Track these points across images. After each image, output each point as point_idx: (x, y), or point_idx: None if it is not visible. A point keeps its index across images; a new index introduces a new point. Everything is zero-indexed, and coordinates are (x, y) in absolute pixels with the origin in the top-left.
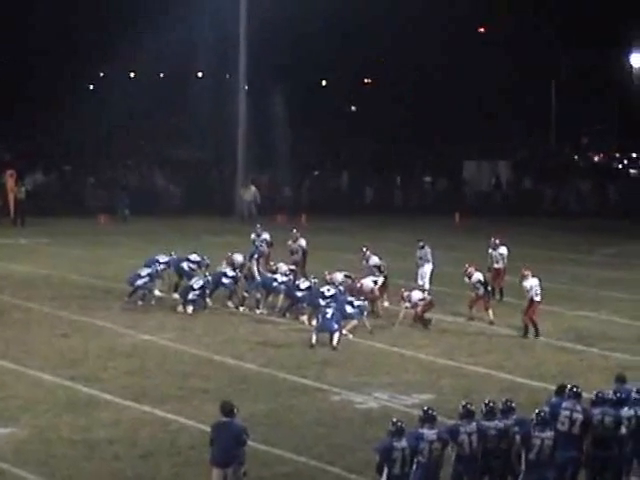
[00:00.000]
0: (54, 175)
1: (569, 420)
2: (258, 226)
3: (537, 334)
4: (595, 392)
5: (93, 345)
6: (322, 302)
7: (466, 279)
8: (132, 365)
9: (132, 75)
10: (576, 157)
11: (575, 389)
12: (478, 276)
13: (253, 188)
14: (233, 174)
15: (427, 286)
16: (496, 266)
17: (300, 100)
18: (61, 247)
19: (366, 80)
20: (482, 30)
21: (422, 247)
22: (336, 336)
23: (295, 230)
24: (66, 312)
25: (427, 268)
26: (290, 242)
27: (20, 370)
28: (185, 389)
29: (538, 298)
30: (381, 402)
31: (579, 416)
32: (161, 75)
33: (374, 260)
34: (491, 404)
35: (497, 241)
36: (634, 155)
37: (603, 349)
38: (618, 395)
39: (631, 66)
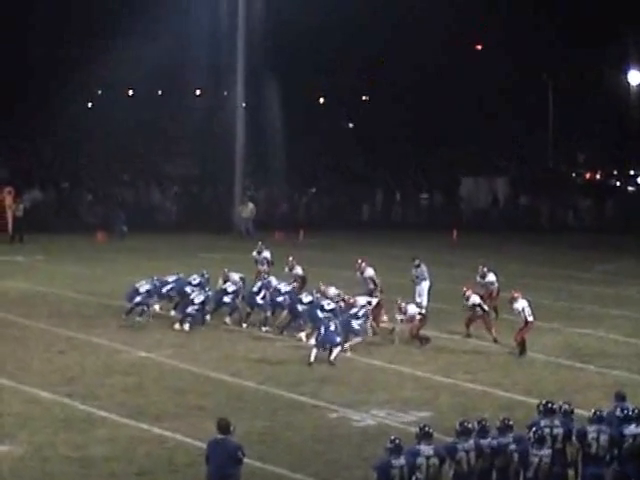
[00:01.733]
0: (51, 192)
1: (550, 437)
2: (260, 244)
3: (522, 352)
4: (593, 410)
5: (90, 362)
6: (321, 315)
7: (464, 301)
8: (129, 382)
9: (130, 92)
10: (573, 174)
11: (549, 405)
12: (475, 299)
13: (251, 205)
14: (230, 191)
15: (425, 303)
16: (486, 292)
17: (298, 117)
18: (58, 264)
19: (364, 97)
20: (479, 47)
21: (418, 266)
22: (336, 350)
23: (291, 258)
24: (63, 329)
25: (424, 285)
26: (287, 269)
27: (17, 387)
28: (182, 406)
29: (531, 318)
30: (378, 419)
31: (559, 430)
32: (159, 92)
33: (369, 272)
34: (483, 422)
35: (485, 269)
36: (632, 172)
37: (601, 366)
38: (620, 413)
39: (629, 83)
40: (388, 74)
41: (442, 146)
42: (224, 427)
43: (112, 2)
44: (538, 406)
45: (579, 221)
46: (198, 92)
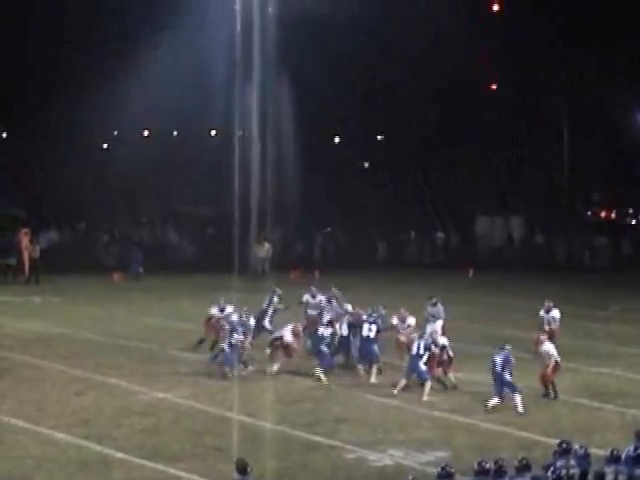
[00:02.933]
0: (68, 233)
1: (567, 477)
2: (312, 288)
3: (556, 394)
4: (610, 449)
5: (106, 403)
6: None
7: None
8: (146, 423)
9: (145, 133)
10: (589, 213)
11: (565, 445)
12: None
13: (267, 245)
14: (246, 231)
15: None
16: (547, 328)
17: (313, 157)
18: (75, 305)
19: (379, 137)
20: (494, 87)
21: (434, 304)
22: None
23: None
24: (80, 370)
25: (438, 324)
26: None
27: (33, 429)
28: (199, 447)
29: (559, 359)
30: (396, 459)
31: (576, 471)
32: (174, 133)
33: (411, 321)
34: (500, 462)
35: (551, 304)
36: None
37: (619, 405)
38: (634, 452)
39: None
40: (404, 114)
41: (456, 186)
42: (242, 468)
43: (126, 43)
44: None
45: (595, 260)
46: (213, 132)
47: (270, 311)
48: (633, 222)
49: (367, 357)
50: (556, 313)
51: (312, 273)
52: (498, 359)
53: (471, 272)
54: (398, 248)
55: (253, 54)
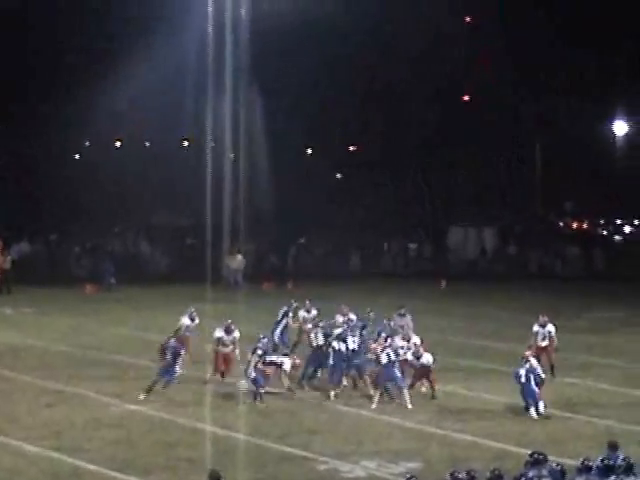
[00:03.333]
0: (40, 244)
1: None
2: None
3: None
4: (581, 459)
5: (78, 415)
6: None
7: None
8: (118, 435)
9: (118, 144)
10: (561, 223)
11: (537, 455)
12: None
13: (239, 256)
14: (219, 242)
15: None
16: (542, 344)
17: (286, 168)
18: (46, 316)
19: (351, 148)
20: (466, 98)
21: (403, 315)
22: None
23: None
24: (51, 382)
25: (414, 338)
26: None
27: (3, 441)
28: (171, 459)
29: (543, 375)
30: (368, 471)
31: None
32: (147, 144)
33: (415, 339)
34: (473, 472)
35: (545, 318)
36: (618, 221)
37: (591, 416)
38: (605, 462)
39: (614, 134)
40: (376, 125)
41: (429, 196)
42: (215, 479)
43: (97, 55)
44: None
45: (567, 270)
46: (186, 143)
47: (281, 325)
48: (604, 232)
49: (356, 369)
50: (551, 327)
51: (285, 284)
52: (522, 372)
53: (443, 283)
54: (372, 259)
55: (225, 64)
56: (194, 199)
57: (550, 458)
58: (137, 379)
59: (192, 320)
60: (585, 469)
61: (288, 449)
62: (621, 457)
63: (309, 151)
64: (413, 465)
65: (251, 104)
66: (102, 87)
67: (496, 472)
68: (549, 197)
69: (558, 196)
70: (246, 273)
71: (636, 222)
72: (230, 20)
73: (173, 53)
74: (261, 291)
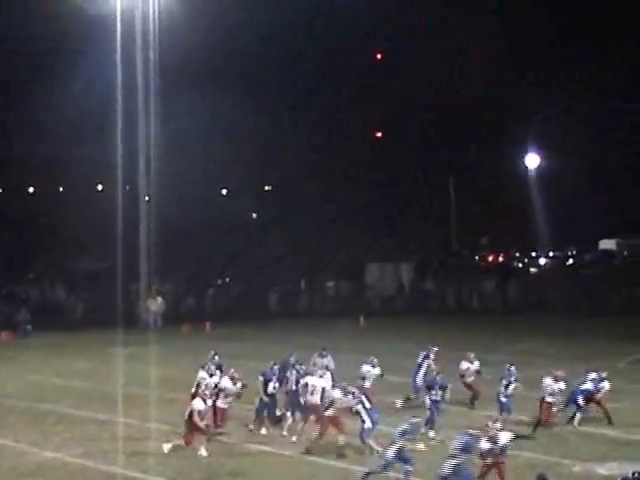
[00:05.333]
0: None
1: None
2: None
3: None
4: None
5: None
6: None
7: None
8: None
9: (31, 190)
10: (476, 257)
11: None
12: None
13: (159, 299)
14: (136, 284)
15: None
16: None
17: (201, 209)
18: None
19: (266, 187)
20: (379, 135)
21: (325, 355)
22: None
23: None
24: None
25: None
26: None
27: None
28: None
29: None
30: None
31: None
32: (60, 189)
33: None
34: None
35: (472, 355)
36: (533, 254)
37: (512, 449)
38: None
39: (526, 167)
40: (288, 163)
41: (347, 232)
42: None
43: (5, 99)
44: None
45: (484, 304)
46: (100, 187)
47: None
48: (520, 265)
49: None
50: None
51: (203, 326)
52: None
53: (362, 320)
54: (289, 298)
55: (137, 107)
56: (109, 242)
57: None
58: (55, 425)
59: (211, 376)
60: None
61: None
62: None
63: (224, 192)
64: None
65: (165, 146)
66: (13, 133)
67: None
68: (464, 231)
69: (474, 230)
70: (165, 315)
71: (551, 254)
72: (141, 64)
73: (85, 99)
74: (180, 333)
